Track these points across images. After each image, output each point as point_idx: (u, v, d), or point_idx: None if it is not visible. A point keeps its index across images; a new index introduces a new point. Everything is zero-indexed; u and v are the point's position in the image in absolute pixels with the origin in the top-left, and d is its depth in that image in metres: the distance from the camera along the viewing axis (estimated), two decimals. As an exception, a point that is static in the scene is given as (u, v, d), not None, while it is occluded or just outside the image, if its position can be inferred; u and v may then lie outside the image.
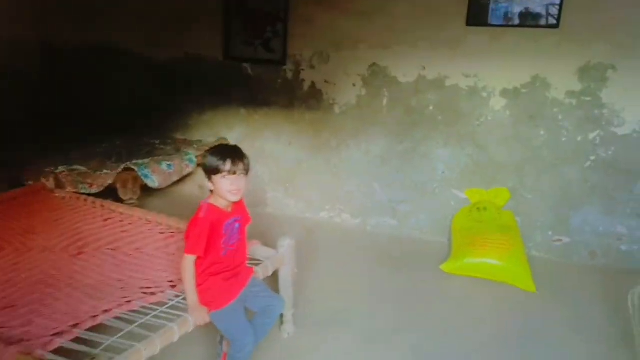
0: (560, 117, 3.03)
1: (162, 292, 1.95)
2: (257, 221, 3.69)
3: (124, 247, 2.37)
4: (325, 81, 3.52)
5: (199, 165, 3.36)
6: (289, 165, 3.78)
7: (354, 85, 3.45)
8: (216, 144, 3.80)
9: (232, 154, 1.82)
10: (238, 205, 1.89)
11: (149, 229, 2.56)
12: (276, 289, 2.33)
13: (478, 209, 3.23)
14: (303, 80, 3.57)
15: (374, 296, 2.76)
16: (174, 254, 2.28)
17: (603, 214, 3.08)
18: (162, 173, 3.12)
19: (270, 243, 2.31)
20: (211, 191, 1.85)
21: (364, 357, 2.25)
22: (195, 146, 3.64)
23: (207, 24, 3.69)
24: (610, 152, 2.98)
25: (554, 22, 2.93)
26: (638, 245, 3.05)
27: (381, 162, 3.51)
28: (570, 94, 2.98)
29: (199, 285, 1.77)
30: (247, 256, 2.00)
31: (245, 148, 3.77)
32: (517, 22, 2.99)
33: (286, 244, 2.17)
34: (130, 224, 2.61)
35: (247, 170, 1.85)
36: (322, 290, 2.77)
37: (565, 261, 3.18)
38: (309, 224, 3.68)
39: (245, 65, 3.70)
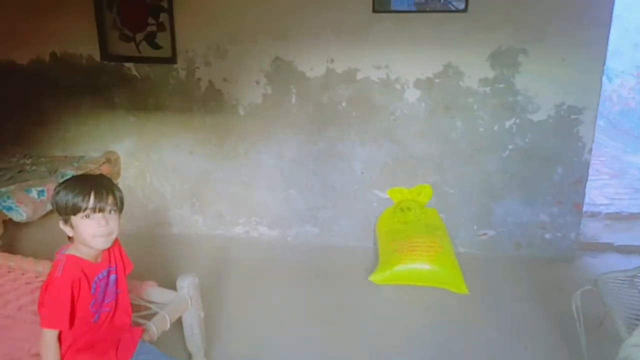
0: (475, 106, 2.89)
1: (20, 374, 1.49)
2: (161, 245, 3.30)
3: (-26, 310, 1.85)
4: (224, 79, 3.11)
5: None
6: (193, 178, 3.34)
7: (257, 82, 3.08)
8: (105, 156, 3.27)
9: (95, 185, 1.39)
10: (111, 250, 1.47)
11: (11, 280, 2.04)
12: (181, 337, 1.95)
13: (402, 209, 3.03)
14: (199, 79, 3.14)
15: (300, 321, 2.45)
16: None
17: (525, 204, 3.00)
18: (31, 203, 2.56)
19: (176, 271, 1.91)
20: (70, 237, 1.41)
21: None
22: (75, 164, 3.08)
23: (76, 17, 3.10)
24: (527, 140, 2.90)
25: (462, 6, 2.76)
26: (561, 233, 3.01)
27: (296, 166, 3.19)
28: (484, 81, 2.84)
29: (64, 366, 1.34)
30: (130, 313, 1.58)
31: (140, 161, 3.38)
32: (424, 6, 2.79)
33: (187, 284, 1.78)
34: (-14, 275, 2.07)
35: (119, 206, 1.43)
36: (241, 323, 2.42)
37: (491, 254, 3.08)
38: (222, 242, 3.29)
39: (128, 65, 3.18)
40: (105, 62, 3.18)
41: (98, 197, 1.37)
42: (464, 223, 3.09)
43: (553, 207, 2.98)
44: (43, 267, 2.03)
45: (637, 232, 3.25)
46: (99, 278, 1.42)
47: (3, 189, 2.59)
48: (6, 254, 2.22)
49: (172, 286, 1.87)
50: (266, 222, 3.34)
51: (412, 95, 2.93)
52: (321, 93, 3.02)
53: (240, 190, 3.30)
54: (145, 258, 3.01)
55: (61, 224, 1.40)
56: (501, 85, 2.83)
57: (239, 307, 2.55)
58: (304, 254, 3.13)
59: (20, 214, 2.48)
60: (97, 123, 3.33)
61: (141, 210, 3.44)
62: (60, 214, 1.40)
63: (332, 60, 2.95)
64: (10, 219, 2.56)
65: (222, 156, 3.26)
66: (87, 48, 3.16)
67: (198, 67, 3.11)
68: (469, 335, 2.35)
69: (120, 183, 3.38)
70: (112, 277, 1.47)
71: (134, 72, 3.19)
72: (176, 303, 1.73)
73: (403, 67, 2.90)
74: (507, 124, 2.88)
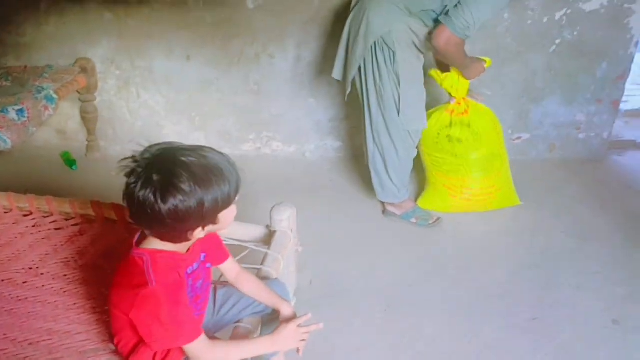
0: (526, -6, 2.58)
1: None
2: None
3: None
4: (229, -38, 2.52)
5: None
6: (191, 89, 2.81)
7: (271, -35, 2.52)
8: (78, 65, 2.62)
9: (229, 166, 1.07)
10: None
11: (12, 224, 1.55)
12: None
13: (449, 138, 2.39)
14: (196, -38, 2.51)
15: (363, 252, 2.20)
16: (102, 266, 1.38)
17: (564, 104, 2.83)
18: (12, 126, 1.97)
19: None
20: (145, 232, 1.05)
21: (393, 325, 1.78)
22: (46, 75, 2.43)
23: None
24: (576, 33, 2.65)
25: None
26: (594, 132, 2.91)
27: (317, 70, 2.75)
28: (539, -37, 2.51)
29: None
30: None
31: (122, 69, 2.77)
32: None
33: (287, 216, 1.42)
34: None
35: None
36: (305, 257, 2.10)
37: (523, 158, 2.93)
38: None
39: (101, -58, 2.46)
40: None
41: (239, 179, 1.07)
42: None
43: (591, 106, 2.84)
44: (49, 205, 1.54)
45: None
46: (190, 272, 1.06)
47: (-33, 111, 1.96)
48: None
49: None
50: (280, 137, 2.94)
51: (457, -19, 2.53)
52: (351, -21, 2.53)
53: (249, 102, 2.84)
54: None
55: (198, 232, 1.00)
56: (558, -32, 2.51)
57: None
58: (327, 173, 2.82)
59: (5, 141, 1.90)
60: (61, 21, 2.63)
61: (127, 128, 2.91)
62: (202, 220, 1.00)
63: (365, -63, 2.44)
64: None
65: (226, 61, 2.74)
66: None
67: (194, -56, 2.47)
68: (541, 246, 2.25)
69: (99, 97, 2.79)
70: (205, 267, 1.14)
71: (108, -48, 2.49)
72: (281, 240, 1.38)
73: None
74: (558, 15, 2.61)
